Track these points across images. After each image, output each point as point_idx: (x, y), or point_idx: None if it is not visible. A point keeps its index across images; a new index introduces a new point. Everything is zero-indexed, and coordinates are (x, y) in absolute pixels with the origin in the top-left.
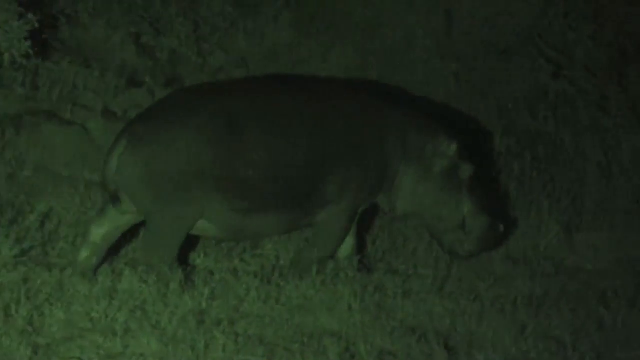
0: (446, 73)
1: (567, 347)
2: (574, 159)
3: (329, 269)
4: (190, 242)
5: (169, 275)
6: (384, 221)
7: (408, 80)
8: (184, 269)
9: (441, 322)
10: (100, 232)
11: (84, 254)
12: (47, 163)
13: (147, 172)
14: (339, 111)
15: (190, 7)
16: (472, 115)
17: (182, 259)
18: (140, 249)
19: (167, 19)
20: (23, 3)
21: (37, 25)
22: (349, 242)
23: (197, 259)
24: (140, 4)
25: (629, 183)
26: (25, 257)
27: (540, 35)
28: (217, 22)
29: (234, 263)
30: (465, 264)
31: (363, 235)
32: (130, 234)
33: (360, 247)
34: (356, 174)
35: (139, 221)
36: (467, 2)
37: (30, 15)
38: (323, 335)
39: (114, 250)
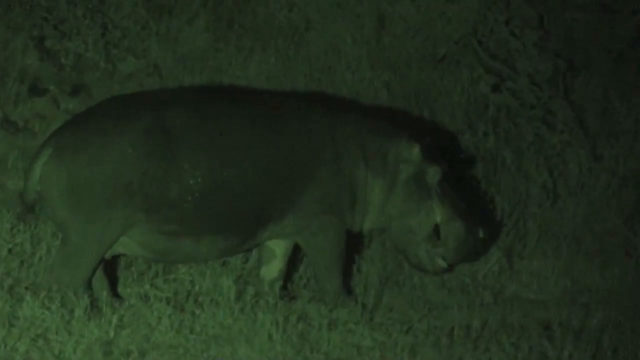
0: (377, 83)
1: None
2: (516, 178)
3: (249, 295)
4: None
5: (74, 301)
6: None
7: (335, 90)
8: (90, 294)
9: (370, 356)
10: None
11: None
12: None
13: (70, 184)
14: (285, 125)
15: (98, 9)
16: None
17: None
18: (51, 266)
19: (73, 22)
20: None
21: None
22: (277, 265)
23: None
24: (43, 4)
25: (576, 206)
26: None
27: (480, 43)
28: (128, 25)
29: (145, 288)
30: (398, 291)
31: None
32: (30, 255)
33: (286, 271)
34: (313, 189)
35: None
36: (400, 7)
37: None
38: None
39: (9, 273)
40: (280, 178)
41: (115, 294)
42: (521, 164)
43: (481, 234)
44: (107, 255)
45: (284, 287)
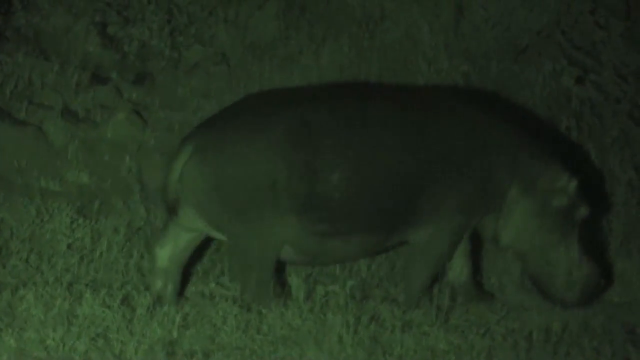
0: (455, 74)
1: None
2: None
3: (318, 295)
4: None
5: (136, 299)
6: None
7: (411, 81)
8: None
9: (445, 359)
10: (165, 253)
11: (157, 284)
12: None
13: (214, 185)
14: (436, 122)
15: None
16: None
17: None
18: (231, 272)
19: (137, 7)
20: None
21: None
22: (463, 265)
23: None
24: None
25: None
26: None
27: (564, 33)
28: (194, 11)
29: (210, 287)
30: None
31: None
32: (90, 251)
33: (474, 272)
34: (456, 191)
35: (204, 237)
36: None
37: None
38: None
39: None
40: (426, 177)
41: (179, 292)
42: (605, 161)
43: (602, 282)
44: None
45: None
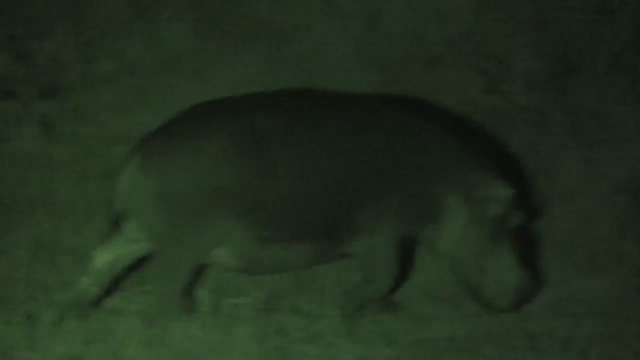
0: (367, 84)
1: None
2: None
3: (224, 308)
4: None
5: (38, 315)
6: None
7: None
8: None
9: None
10: (103, 258)
11: (84, 281)
12: None
13: (161, 193)
14: (378, 130)
15: (75, 7)
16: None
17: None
18: (151, 279)
19: (47, 20)
20: None
21: None
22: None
23: None
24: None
25: (567, 213)
26: None
27: (474, 43)
28: (105, 24)
29: (114, 301)
30: (380, 305)
31: None
32: None
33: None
34: (396, 200)
35: (145, 253)
36: (392, 4)
37: None
38: None
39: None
40: (372, 185)
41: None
42: (516, 168)
43: (533, 285)
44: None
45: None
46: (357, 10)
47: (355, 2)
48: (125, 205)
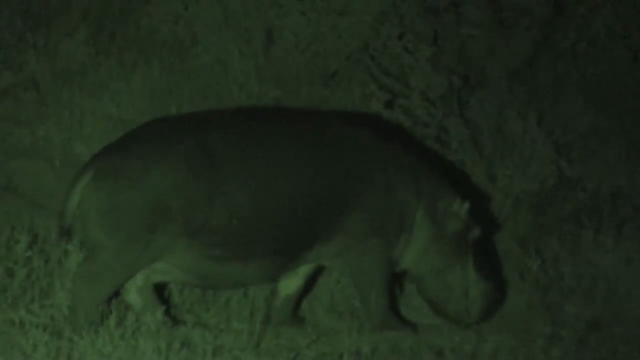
0: (265, 99)
1: None
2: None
3: (129, 321)
4: None
5: None
6: None
7: (221, 106)
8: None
9: None
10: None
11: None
12: None
13: (108, 208)
14: (334, 147)
15: None
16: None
17: None
18: (72, 281)
19: None
20: None
21: None
22: (295, 282)
23: None
24: None
25: None
26: None
27: (373, 58)
28: (3, 36)
29: (20, 314)
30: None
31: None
32: None
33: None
34: (361, 211)
35: None
36: (289, 20)
37: None
38: None
39: None
40: (327, 200)
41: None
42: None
43: (499, 296)
44: (147, 283)
45: (297, 306)
46: (255, 26)
47: (254, 17)
48: (76, 217)
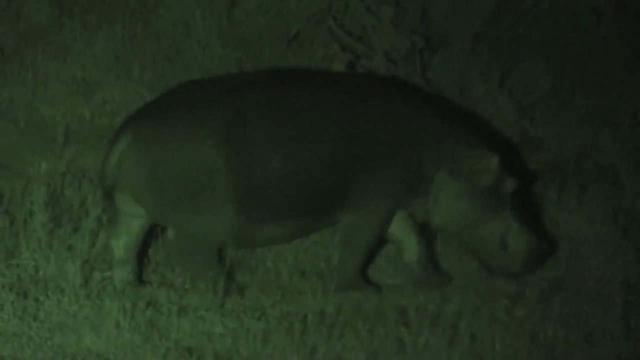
0: (228, 61)
1: None
2: None
3: (95, 281)
4: None
5: None
6: (156, 228)
7: (184, 67)
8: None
9: (222, 343)
10: (120, 244)
11: (119, 272)
12: None
13: (152, 175)
14: (366, 109)
15: None
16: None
17: None
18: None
19: None
20: None
21: None
22: (415, 246)
23: None
24: None
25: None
26: None
27: (335, 19)
28: None
29: None
30: (250, 276)
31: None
32: None
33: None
34: (383, 176)
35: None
36: None
37: None
38: (87, 357)
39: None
40: (354, 162)
41: (139, 277)
42: None
43: (544, 247)
44: (138, 238)
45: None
46: None
47: None
48: (116, 180)
